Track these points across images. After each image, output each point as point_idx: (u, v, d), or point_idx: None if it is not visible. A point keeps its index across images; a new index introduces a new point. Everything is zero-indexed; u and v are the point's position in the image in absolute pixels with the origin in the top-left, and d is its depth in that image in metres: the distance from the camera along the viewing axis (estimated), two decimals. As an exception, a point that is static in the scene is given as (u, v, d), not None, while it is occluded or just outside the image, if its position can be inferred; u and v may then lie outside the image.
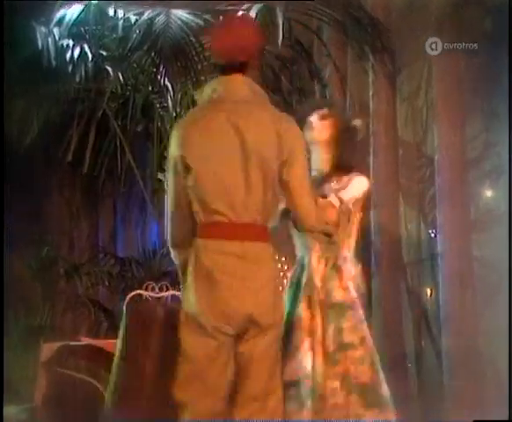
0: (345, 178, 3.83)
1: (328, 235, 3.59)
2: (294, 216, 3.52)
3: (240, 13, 3.54)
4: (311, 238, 3.81)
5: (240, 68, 3.35)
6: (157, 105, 5.86)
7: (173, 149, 3.38)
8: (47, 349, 5.46)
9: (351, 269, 3.83)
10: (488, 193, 6.05)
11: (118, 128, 5.86)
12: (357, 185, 3.84)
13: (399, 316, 6.53)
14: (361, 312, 3.76)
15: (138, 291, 5.14)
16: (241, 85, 3.35)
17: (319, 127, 3.86)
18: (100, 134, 5.90)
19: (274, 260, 3.41)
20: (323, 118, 3.88)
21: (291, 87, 6.02)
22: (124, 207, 6.79)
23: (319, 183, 3.85)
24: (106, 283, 6.42)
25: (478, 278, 6.07)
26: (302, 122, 3.74)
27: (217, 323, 3.30)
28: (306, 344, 3.72)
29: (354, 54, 6.05)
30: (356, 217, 3.87)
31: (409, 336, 6.57)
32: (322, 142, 3.87)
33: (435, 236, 6.49)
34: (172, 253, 3.52)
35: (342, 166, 3.86)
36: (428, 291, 6.68)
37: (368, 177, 3.94)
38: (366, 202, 3.92)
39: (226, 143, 3.28)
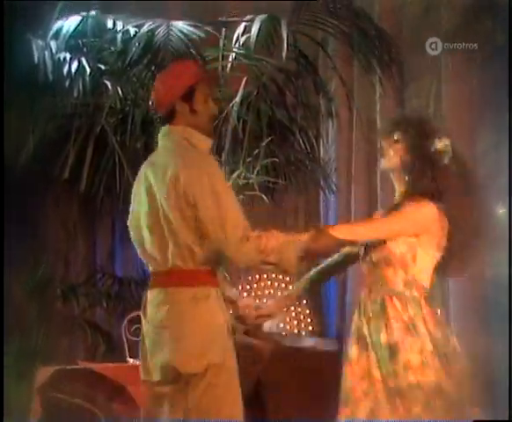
0: (409, 207, 3.59)
1: (271, 264, 3.40)
2: None
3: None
4: (364, 273, 3.67)
5: (166, 119, 3.51)
6: (157, 121, 5.76)
7: None
8: (43, 373, 5.43)
9: (403, 306, 3.56)
10: (501, 212, 5.89)
11: (117, 144, 5.81)
12: (416, 215, 3.57)
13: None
14: (408, 356, 3.52)
15: (137, 313, 5.01)
16: (163, 137, 3.51)
17: (390, 153, 3.67)
18: (98, 150, 5.85)
19: (205, 303, 3.29)
20: (395, 142, 3.67)
21: (296, 101, 5.96)
22: (123, 226, 6.62)
23: (388, 212, 3.71)
24: (104, 304, 6.36)
25: (489, 298, 5.92)
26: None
27: (146, 376, 3.35)
28: (359, 388, 3.54)
29: (360, 67, 5.95)
30: (421, 251, 3.59)
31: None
32: (393, 170, 3.68)
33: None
34: None
35: (414, 193, 3.61)
36: (439, 311, 6.52)
37: (447, 205, 3.61)
38: (446, 240, 3.61)
39: (139, 198, 3.47)
